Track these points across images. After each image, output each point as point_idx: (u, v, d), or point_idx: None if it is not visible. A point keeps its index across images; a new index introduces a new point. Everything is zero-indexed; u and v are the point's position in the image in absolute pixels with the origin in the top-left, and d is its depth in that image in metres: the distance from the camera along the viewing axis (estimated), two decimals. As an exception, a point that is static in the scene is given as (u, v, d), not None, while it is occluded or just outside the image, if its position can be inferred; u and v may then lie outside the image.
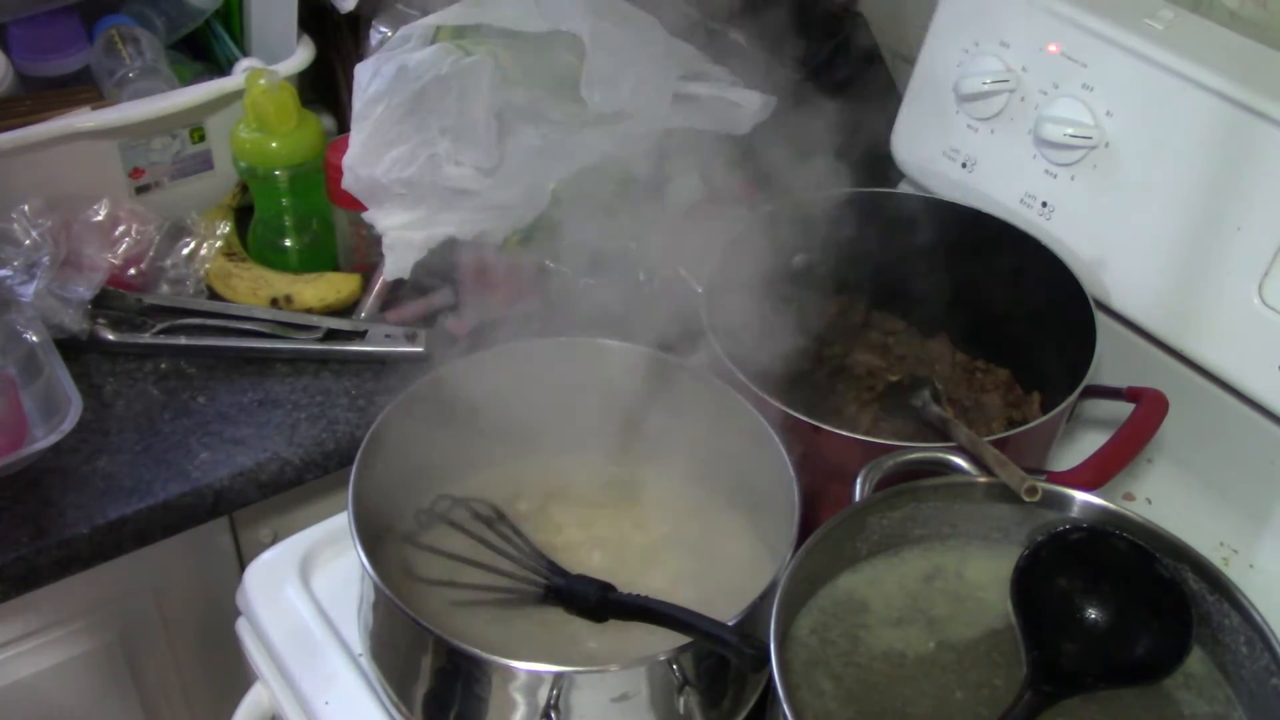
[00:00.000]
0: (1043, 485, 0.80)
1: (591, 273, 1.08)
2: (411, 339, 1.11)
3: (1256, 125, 0.93)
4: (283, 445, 1.04)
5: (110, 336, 1.09)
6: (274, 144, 1.14)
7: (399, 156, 1.06)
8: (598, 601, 0.84)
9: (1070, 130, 1.03)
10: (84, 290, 1.08)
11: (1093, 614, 0.78)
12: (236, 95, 1.17)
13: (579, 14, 1.09)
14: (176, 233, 1.16)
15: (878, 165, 1.21)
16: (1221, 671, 0.76)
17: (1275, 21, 1.02)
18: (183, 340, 1.10)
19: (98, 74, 1.22)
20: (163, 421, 1.05)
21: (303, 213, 1.19)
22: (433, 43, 1.09)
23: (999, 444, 0.85)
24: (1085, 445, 1.04)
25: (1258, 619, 0.73)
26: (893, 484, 0.82)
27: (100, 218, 1.13)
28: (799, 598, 0.78)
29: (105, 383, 1.08)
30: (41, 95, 1.19)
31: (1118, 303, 1.04)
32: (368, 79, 1.07)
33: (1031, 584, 0.78)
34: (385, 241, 1.09)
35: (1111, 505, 0.80)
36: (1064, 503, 0.81)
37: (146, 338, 1.10)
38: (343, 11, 1.20)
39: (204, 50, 1.31)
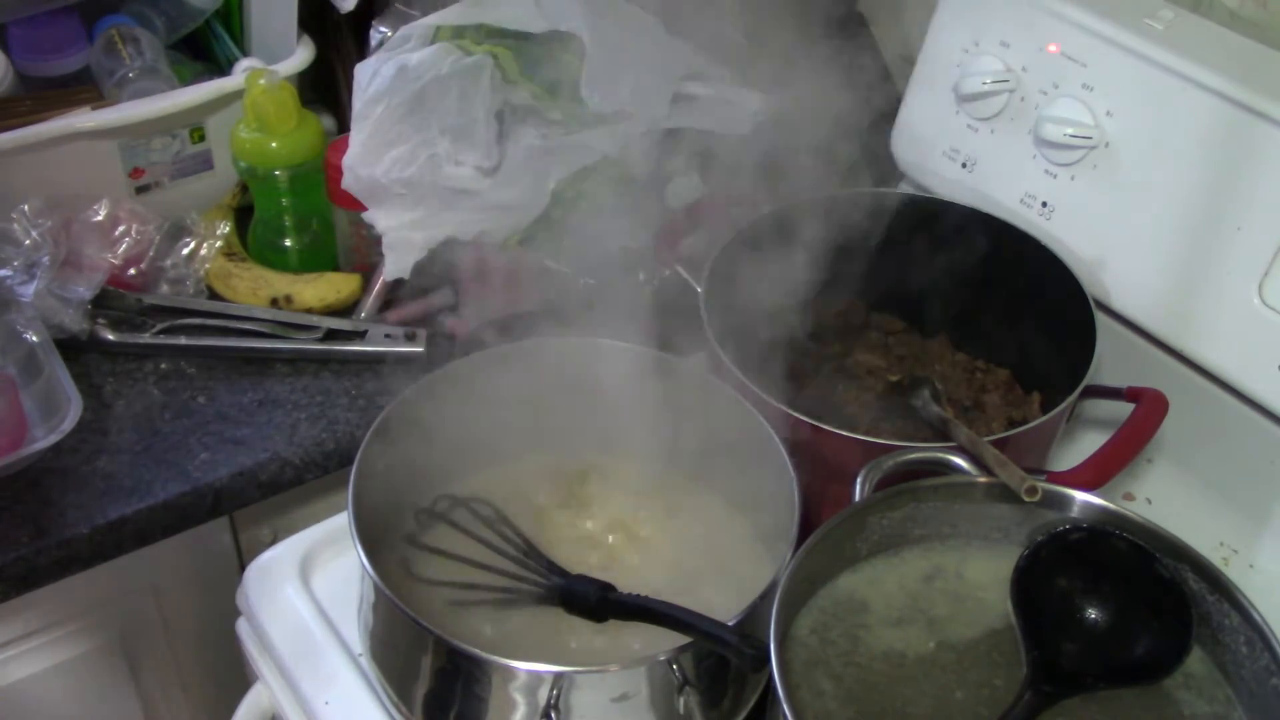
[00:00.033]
0: (1043, 485, 0.80)
1: (591, 273, 1.08)
2: (411, 339, 1.11)
3: (1256, 125, 0.93)
4: (283, 445, 1.04)
5: (110, 336, 1.09)
6: (274, 144, 1.14)
7: (399, 156, 1.06)
8: (598, 601, 0.84)
9: (1070, 130, 1.03)
10: (84, 290, 1.08)
11: (1093, 614, 0.78)
12: (236, 95, 1.17)
13: (579, 14, 1.09)
14: (176, 233, 1.16)
15: (878, 165, 1.21)
16: (1221, 671, 0.76)
17: (1275, 21, 1.02)
18: (183, 340, 1.10)
19: (98, 74, 1.22)
20: (163, 421, 1.05)
21: (303, 213, 1.19)
22: (433, 43, 1.09)
23: (999, 444, 0.85)
24: (1085, 445, 1.04)
25: (1258, 619, 0.73)
26: (893, 484, 0.82)
27: (100, 218, 1.13)
28: (799, 598, 0.78)
29: (105, 383, 1.08)
30: (41, 95, 1.19)
31: (1118, 303, 1.04)
32: (368, 79, 1.07)
33: (1031, 584, 0.78)
34: (385, 241, 1.09)
35: (1111, 505, 0.80)
36: (1064, 503, 0.81)
37: (146, 338, 1.10)
38: (343, 11, 1.20)
39: (204, 50, 1.31)
